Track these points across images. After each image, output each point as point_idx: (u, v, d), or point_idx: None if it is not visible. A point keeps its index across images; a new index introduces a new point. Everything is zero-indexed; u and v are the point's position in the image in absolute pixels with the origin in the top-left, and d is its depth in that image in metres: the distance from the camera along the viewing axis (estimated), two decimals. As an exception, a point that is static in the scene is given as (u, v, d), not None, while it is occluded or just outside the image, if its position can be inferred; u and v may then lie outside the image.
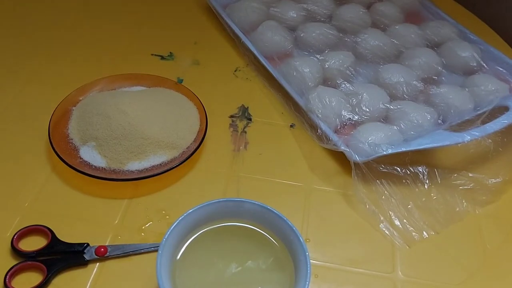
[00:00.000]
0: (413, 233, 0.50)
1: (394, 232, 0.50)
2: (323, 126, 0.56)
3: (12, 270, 0.43)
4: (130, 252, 0.46)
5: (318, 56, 0.66)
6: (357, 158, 0.52)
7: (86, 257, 0.45)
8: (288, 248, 0.41)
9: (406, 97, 0.62)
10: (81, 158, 0.52)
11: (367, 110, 0.58)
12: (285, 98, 0.63)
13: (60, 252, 0.45)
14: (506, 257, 0.50)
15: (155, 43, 0.71)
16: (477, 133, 0.53)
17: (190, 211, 0.41)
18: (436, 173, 0.54)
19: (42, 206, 0.50)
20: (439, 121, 0.59)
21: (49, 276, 0.43)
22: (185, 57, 0.70)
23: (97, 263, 0.45)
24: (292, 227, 0.40)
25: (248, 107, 0.63)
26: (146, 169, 0.52)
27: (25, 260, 0.45)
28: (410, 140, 0.55)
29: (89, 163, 0.52)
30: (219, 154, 0.57)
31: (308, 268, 0.38)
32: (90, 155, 0.53)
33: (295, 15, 0.73)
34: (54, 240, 0.46)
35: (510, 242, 0.51)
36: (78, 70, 0.65)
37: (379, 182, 0.53)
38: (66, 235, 0.47)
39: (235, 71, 0.69)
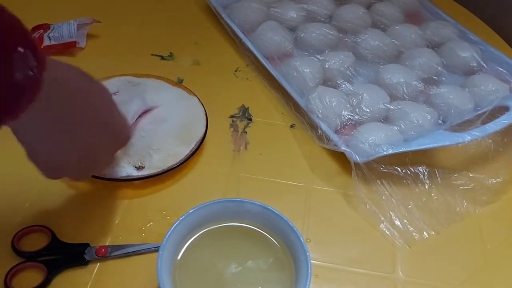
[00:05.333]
0: (414, 233, 0.50)
1: (395, 232, 0.50)
2: (324, 126, 0.56)
3: (13, 270, 0.43)
4: (131, 253, 0.46)
5: (318, 56, 0.66)
6: (358, 158, 0.52)
7: (87, 257, 0.45)
8: (289, 248, 0.41)
9: (406, 97, 0.62)
10: (81, 158, 0.52)
11: (368, 110, 0.58)
12: (285, 98, 0.63)
13: (61, 252, 0.45)
14: (507, 257, 0.50)
15: (155, 43, 0.71)
16: (477, 133, 0.53)
17: (191, 211, 0.41)
18: (437, 173, 0.54)
19: (42, 206, 0.50)
20: (440, 121, 0.59)
21: (50, 276, 0.43)
22: (185, 57, 0.70)
23: (98, 263, 0.45)
24: (292, 227, 0.40)
25: (248, 107, 0.63)
26: (147, 169, 0.52)
27: (25, 260, 0.45)
28: (410, 140, 0.55)
29: (89, 163, 0.52)
30: (219, 154, 0.57)
31: (309, 268, 0.38)
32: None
33: (295, 15, 0.73)
34: (54, 240, 0.46)
35: (510, 242, 0.51)
36: (78, 70, 0.65)
37: (379, 182, 0.53)
38: (66, 235, 0.47)
39: (235, 71, 0.69)
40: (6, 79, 0.29)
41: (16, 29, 0.30)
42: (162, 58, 0.69)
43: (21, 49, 0.29)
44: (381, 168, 0.53)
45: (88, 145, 0.41)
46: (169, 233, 0.39)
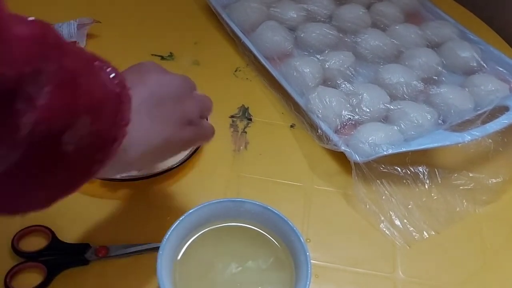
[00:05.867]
0: (414, 233, 0.50)
1: (395, 232, 0.50)
2: (323, 126, 0.56)
3: (13, 270, 0.43)
4: (131, 253, 0.46)
5: (318, 56, 0.66)
6: (358, 158, 0.52)
7: (87, 257, 0.45)
8: (289, 248, 0.41)
9: (406, 97, 0.62)
10: (81, 158, 0.52)
11: (367, 110, 0.58)
12: (285, 98, 0.63)
13: (61, 252, 0.45)
14: (507, 257, 0.50)
15: (155, 43, 0.71)
16: (477, 133, 0.53)
17: (191, 211, 0.41)
18: (437, 173, 0.54)
19: (42, 207, 0.50)
20: (440, 121, 0.59)
21: (50, 276, 0.43)
22: (185, 57, 0.70)
23: (98, 264, 0.45)
24: (292, 227, 0.40)
25: (248, 107, 0.63)
26: (147, 169, 0.52)
27: (25, 260, 0.45)
28: (410, 140, 0.55)
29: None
30: (219, 154, 0.57)
31: (309, 268, 0.38)
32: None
33: (295, 15, 0.73)
34: (54, 241, 0.46)
35: (510, 242, 0.51)
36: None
37: (379, 182, 0.53)
38: (67, 236, 0.47)
39: (235, 71, 0.69)
40: (103, 89, 0.29)
41: (85, 51, 0.31)
42: (162, 58, 0.69)
43: (97, 63, 0.31)
44: (381, 168, 0.53)
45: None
46: (169, 233, 0.39)
